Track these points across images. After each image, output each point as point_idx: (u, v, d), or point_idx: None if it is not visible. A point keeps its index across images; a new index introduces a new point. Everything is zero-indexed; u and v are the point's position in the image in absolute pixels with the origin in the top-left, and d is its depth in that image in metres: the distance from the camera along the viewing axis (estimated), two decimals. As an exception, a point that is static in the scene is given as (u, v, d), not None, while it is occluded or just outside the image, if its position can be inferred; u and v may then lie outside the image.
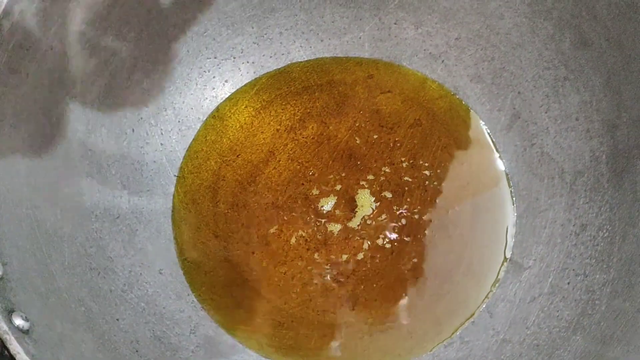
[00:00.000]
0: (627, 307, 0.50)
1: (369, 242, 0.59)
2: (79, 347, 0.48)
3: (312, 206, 0.60)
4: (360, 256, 0.59)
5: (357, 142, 0.61)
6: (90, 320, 0.51)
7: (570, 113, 0.57)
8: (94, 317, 0.52)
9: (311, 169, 0.61)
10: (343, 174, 0.60)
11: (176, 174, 0.61)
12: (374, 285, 0.58)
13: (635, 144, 0.53)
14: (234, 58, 0.62)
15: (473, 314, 0.58)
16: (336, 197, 0.60)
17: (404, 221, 0.60)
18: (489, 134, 0.61)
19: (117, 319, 0.53)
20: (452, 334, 0.57)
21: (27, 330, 0.44)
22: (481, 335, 0.57)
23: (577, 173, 0.57)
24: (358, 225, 0.59)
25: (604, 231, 0.55)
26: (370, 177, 0.60)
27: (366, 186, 0.60)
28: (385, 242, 0.59)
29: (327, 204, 0.60)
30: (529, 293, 0.57)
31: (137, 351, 0.53)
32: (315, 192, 0.60)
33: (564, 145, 0.58)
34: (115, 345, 0.52)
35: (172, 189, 0.61)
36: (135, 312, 0.55)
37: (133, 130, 0.59)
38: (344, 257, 0.59)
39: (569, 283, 0.55)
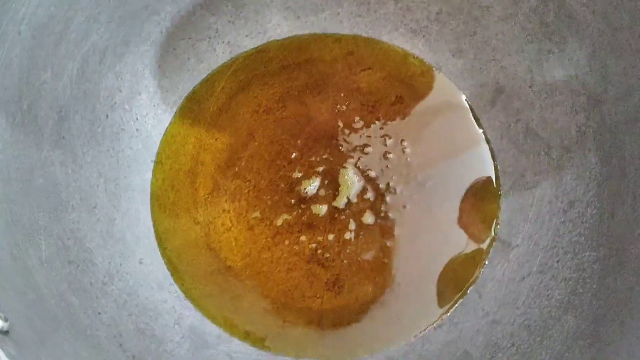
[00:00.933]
0: (618, 286, 0.50)
1: (354, 223, 0.58)
2: (60, 346, 0.47)
3: (296, 189, 0.59)
4: (346, 236, 0.58)
5: (338, 121, 0.60)
6: (71, 315, 0.50)
7: (555, 87, 0.56)
8: (74, 312, 0.50)
9: (292, 150, 0.59)
10: (324, 156, 0.59)
11: (153, 160, 0.60)
12: (360, 268, 0.58)
13: (622, 119, 0.53)
14: (209, 38, 0.60)
15: (462, 295, 0.57)
16: (319, 179, 0.59)
17: (389, 199, 0.59)
18: (472, 109, 0.60)
19: (99, 313, 0.52)
20: (441, 316, 0.57)
21: (7, 331, 0.43)
22: (471, 316, 0.56)
23: (563, 149, 0.56)
24: (343, 206, 0.58)
25: (593, 208, 0.54)
26: (353, 156, 0.59)
27: (349, 166, 0.59)
28: (370, 222, 0.58)
29: (311, 186, 0.59)
30: (518, 272, 0.56)
31: (120, 345, 0.52)
32: (297, 174, 0.59)
33: (550, 121, 0.57)
34: (98, 341, 0.50)
35: (149, 176, 0.59)
36: (117, 304, 0.54)
37: (107, 116, 0.57)
38: (330, 239, 0.58)
39: (558, 261, 0.55)
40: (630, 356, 0.46)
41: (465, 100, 0.60)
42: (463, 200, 0.59)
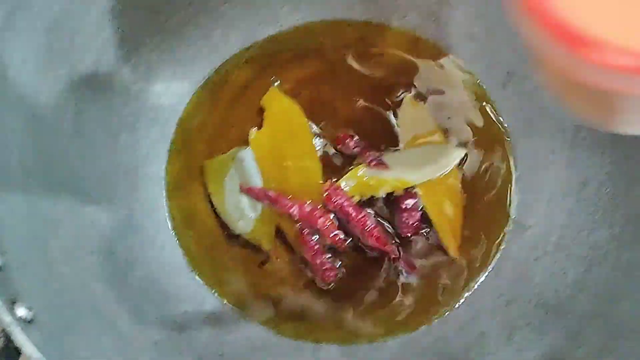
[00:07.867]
0: (633, 263, 0.50)
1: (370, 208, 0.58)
2: (85, 334, 0.48)
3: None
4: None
5: (354, 106, 0.60)
6: (94, 304, 0.51)
7: (567, 67, 0.56)
8: (97, 301, 0.51)
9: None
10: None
11: (169, 148, 0.60)
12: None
13: (635, 97, 0.53)
14: (222, 28, 0.61)
15: (477, 276, 0.57)
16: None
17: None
18: (486, 91, 0.60)
19: (121, 301, 0.53)
20: (458, 295, 0.57)
21: (31, 320, 0.43)
22: (486, 296, 0.56)
23: (577, 128, 0.56)
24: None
25: (607, 186, 0.54)
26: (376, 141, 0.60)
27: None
28: (386, 205, 0.58)
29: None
30: (532, 252, 0.57)
31: (143, 332, 0.53)
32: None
33: (563, 100, 0.57)
34: (120, 329, 0.51)
35: (166, 164, 0.60)
36: (139, 292, 0.55)
37: (124, 106, 0.58)
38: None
39: (573, 240, 0.55)
40: (646, 335, 0.47)
41: (479, 82, 0.60)
42: (477, 181, 0.59)
